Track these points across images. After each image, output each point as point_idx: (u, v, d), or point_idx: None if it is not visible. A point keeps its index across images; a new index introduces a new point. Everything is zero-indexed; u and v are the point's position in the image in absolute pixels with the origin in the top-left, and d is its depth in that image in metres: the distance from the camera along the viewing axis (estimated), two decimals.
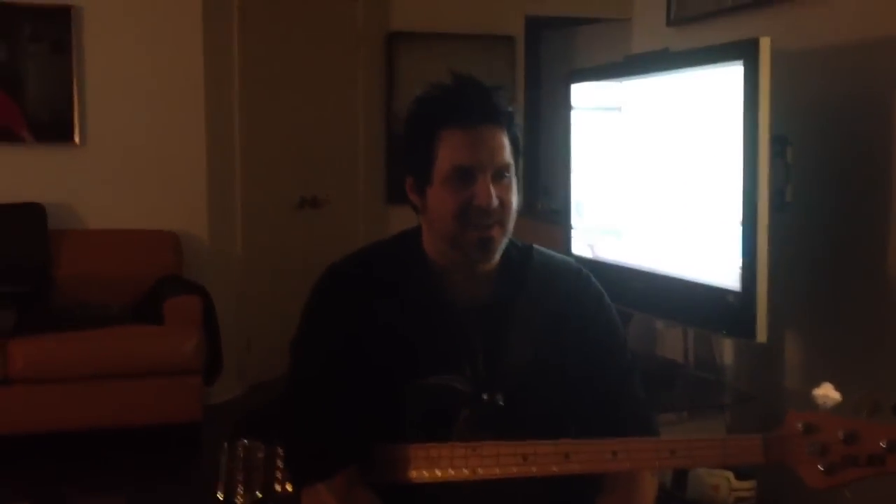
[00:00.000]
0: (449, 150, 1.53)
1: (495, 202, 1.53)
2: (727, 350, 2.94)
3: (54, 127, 4.69)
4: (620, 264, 2.91)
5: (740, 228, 2.32)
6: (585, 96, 3.14)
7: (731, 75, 2.34)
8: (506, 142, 1.56)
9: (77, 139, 4.71)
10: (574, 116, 3.19)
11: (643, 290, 2.78)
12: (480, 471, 1.50)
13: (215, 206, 4.90)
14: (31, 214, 4.51)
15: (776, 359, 2.69)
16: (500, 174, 1.55)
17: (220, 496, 1.78)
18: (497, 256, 1.60)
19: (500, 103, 1.56)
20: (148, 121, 4.77)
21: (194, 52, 4.78)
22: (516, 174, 1.58)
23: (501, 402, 1.57)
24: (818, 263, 2.60)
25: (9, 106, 4.64)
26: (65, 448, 4.04)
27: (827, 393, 1.31)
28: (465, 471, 1.51)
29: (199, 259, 4.81)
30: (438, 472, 1.53)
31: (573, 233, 3.21)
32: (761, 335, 2.28)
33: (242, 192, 5.05)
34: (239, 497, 1.77)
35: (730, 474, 2.45)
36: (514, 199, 1.57)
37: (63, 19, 4.64)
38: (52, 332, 4.10)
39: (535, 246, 1.72)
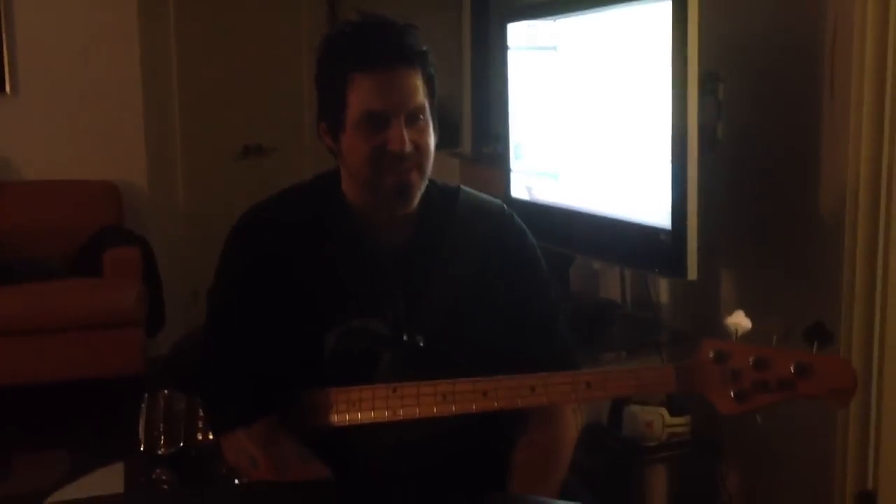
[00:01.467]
0: (359, 95, 1.50)
1: (409, 147, 1.50)
2: (664, 289, 2.96)
3: None
4: (558, 206, 2.90)
5: (671, 167, 2.31)
6: (522, 36, 3.09)
7: (661, 11, 2.32)
8: (419, 83, 1.52)
9: (8, 88, 4.58)
10: (511, 57, 3.15)
11: (580, 232, 2.77)
12: (401, 411, 1.49)
13: (154, 154, 4.81)
14: None
15: (712, 296, 2.70)
16: (414, 117, 1.51)
17: (142, 448, 1.76)
18: (416, 200, 1.57)
19: (412, 43, 1.52)
20: (81, 68, 4.65)
21: None
22: (432, 114, 1.55)
23: (422, 344, 1.56)
24: (751, 200, 2.61)
25: None
26: (4, 403, 3.99)
27: (738, 321, 1.32)
28: (386, 412, 1.50)
29: (139, 209, 4.74)
30: (360, 415, 1.52)
31: (512, 175, 3.18)
32: (692, 273, 2.28)
33: (183, 141, 4.96)
34: (161, 448, 1.76)
35: (664, 411, 2.47)
36: (431, 141, 1.55)
37: None
38: None
39: (463, 188, 1.70)
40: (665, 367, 1.39)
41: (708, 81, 2.38)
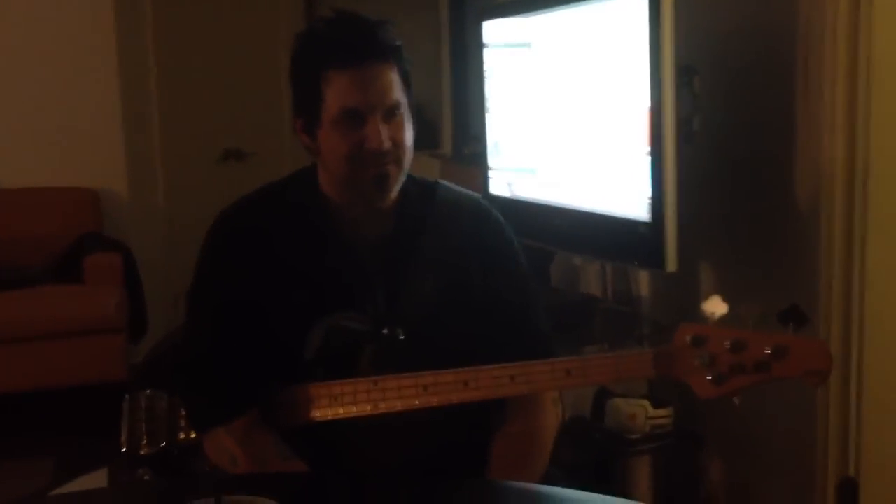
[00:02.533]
0: (336, 92, 1.50)
1: (387, 143, 1.50)
2: (644, 283, 2.97)
3: None
4: (537, 202, 2.91)
5: (648, 159, 2.32)
6: (497, 33, 3.11)
7: (635, 5, 2.33)
8: (395, 78, 1.52)
9: None
10: (487, 55, 3.16)
11: (560, 227, 2.78)
12: (382, 405, 1.50)
13: (133, 160, 4.80)
14: None
15: (691, 288, 2.72)
16: (390, 113, 1.52)
17: (124, 449, 1.76)
18: (394, 194, 1.58)
19: (387, 38, 1.52)
20: (58, 74, 4.62)
21: (104, 2, 4.63)
22: (409, 109, 1.56)
23: (402, 337, 1.57)
24: (728, 191, 2.63)
25: None
26: None
27: (714, 306, 1.33)
28: (368, 406, 1.51)
29: (119, 215, 4.72)
30: (341, 410, 1.52)
31: (491, 173, 3.19)
32: (671, 265, 2.30)
33: (162, 146, 4.94)
34: (144, 448, 1.75)
35: (646, 403, 2.49)
36: (409, 136, 1.55)
37: None
38: None
39: (442, 182, 1.70)
40: (643, 353, 1.40)
41: (684, 75, 2.40)
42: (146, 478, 1.68)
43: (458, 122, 5.35)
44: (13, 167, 4.61)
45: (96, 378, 3.99)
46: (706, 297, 1.37)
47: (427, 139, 5.58)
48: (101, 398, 3.96)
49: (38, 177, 4.60)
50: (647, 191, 2.35)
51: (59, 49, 4.61)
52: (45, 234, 4.46)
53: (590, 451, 2.51)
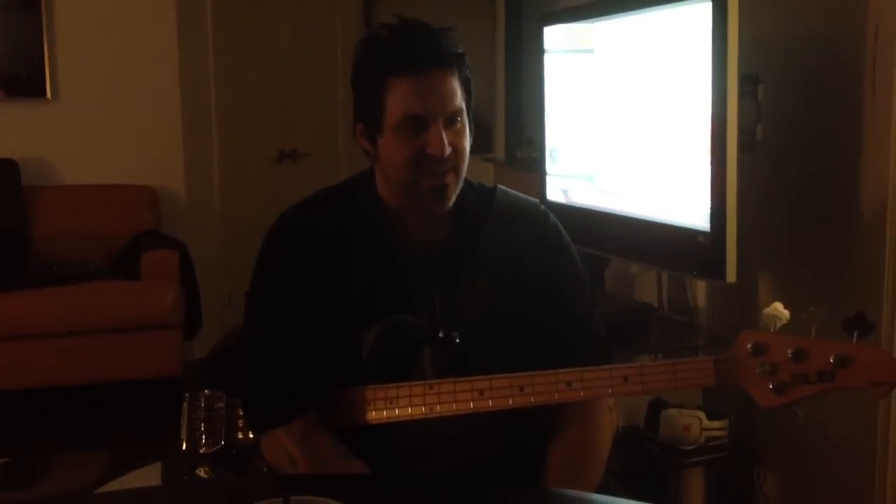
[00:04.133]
0: (399, 99, 1.50)
1: (448, 150, 1.51)
2: (700, 292, 2.93)
3: (26, 82, 4.62)
4: (595, 209, 2.89)
5: (709, 169, 2.30)
6: (558, 39, 3.09)
7: (700, 13, 2.31)
8: (457, 85, 1.52)
9: (49, 94, 4.64)
10: (547, 60, 3.15)
11: (617, 234, 2.77)
12: (438, 408, 1.49)
13: (192, 160, 4.86)
14: (4, 171, 4.46)
15: (749, 298, 2.68)
16: (452, 120, 1.52)
17: (184, 447, 1.78)
18: (452, 200, 1.58)
19: (449, 46, 1.52)
20: (121, 73, 4.70)
21: (167, 4, 4.70)
22: (469, 116, 1.56)
23: (457, 340, 1.56)
24: (790, 203, 2.59)
25: None
26: (45, 404, 4.04)
27: (776, 312, 1.30)
28: (423, 409, 1.50)
29: (176, 214, 4.78)
30: (397, 412, 1.52)
31: (548, 179, 3.18)
32: (730, 276, 2.27)
33: (219, 146, 5.00)
34: (203, 447, 1.77)
35: (701, 414, 2.46)
36: (467, 144, 1.55)
37: None
38: (31, 289, 4.07)
39: (501, 187, 1.70)
40: (703, 361, 1.38)
41: (747, 83, 2.36)
42: (204, 475, 1.69)
43: (511, 127, 5.35)
44: (75, 164, 4.69)
45: (152, 373, 4.05)
46: (767, 305, 1.34)
47: (480, 143, 5.57)
48: (157, 393, 4.04)
49: (98, 174, 4.68)
50: (707, 200, 2.32)
51: (122, 50, 4.69)
52: (105, 230, 4.53)
53: (643, 462, 2.49)
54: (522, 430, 1.57)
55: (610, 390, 1.43)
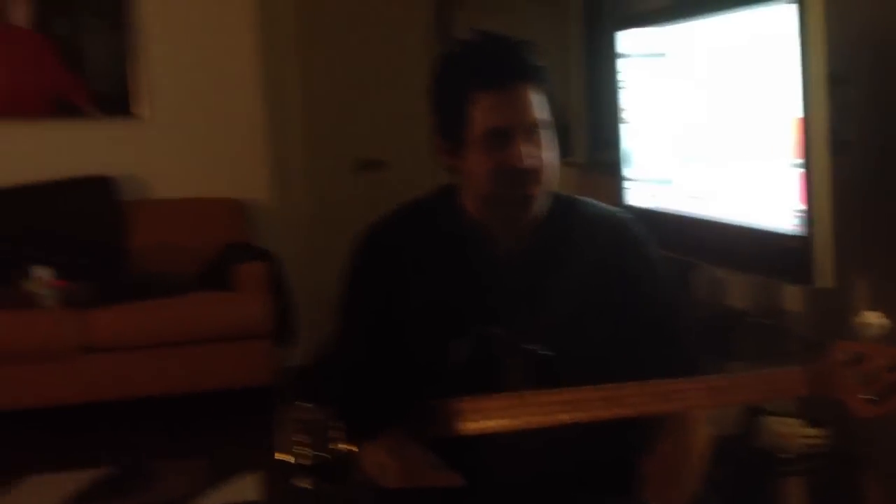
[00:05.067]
0: (482, 113, 1.53)
1: (530, 162, 1.53)
2: (792, 296, 2.88)
3: (118, 100, 4.78)
4: (678, 213, 2.86)
5: (798, 171, 2.26)
6: (633, 43, 3.07)
7: (781, 14, 2.27)
8: (538, 98, 1.55)
9: (139, 111, 4.80)
10: (622, 65, 3.13)
11: (702, 239, 2.73)
12: (528, 419, 1.51)
13: (277, 171, 4.97)
14: (101, 187, 4.63)
15: (843, 303, 2.62)
16: (534, 132, 1.54)
17: (280, 457, 1.82)
18: (536, 212, 1.59)
19: (530, 59, 1.55)
20: (207, 90, 4.84)
21: (248, 20, 4.82)
22: (551, 128, 1.57)
23: (545, 352, 1.58)
24: (886, 203, 2.52)
25: (73, 82, 4.75)
26: (142, 414, 4.16)
27: (869, 321, 1.28)
28: (514, 420, 1.52)
29: (265, 224, 4.89)
30: (487, 423, 1.55)
31: (628, 184, 3.16)
32: (822, 280, 2.22)
33: (304, 157, 5.10)
34: (299, 458, 1.81)
35: (799, 421, 2.41)
36: (551, 154, 1.57)
37: None
38: (130, 301, 4.21)
39: (580, 198, 1.71)
40: (796, 371, 1.37)
41: (836, 84, 2.32)
42: (301, 486, 1.73)
43: (592, 131, 5.32)
44: (166, 179, 4.84)
45: (245, 382, 4.15)
46: (860, 313, 1.32)
47: (561, 147, 5.56)
48: (249, 402, 4.13)
49: (188, 188, 4.82)
50: (796, 203, 2.28)
51: (207, 69, 4.83)
52: (196, 242, 4.66)
53: (741, 471, 2.45)
54: (612, 440, 1.58)
55: (702, 401, 1.43)
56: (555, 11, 5.40)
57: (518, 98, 1.53)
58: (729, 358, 2.68)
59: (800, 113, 2.23)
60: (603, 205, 1.72)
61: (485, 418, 1.55)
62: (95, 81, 4.77)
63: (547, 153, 1.56)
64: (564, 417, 1.49)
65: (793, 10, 2.22)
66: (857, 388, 1.30)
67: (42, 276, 4.18)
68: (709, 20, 2.64)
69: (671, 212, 2.90)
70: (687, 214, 2.82)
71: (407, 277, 1.63)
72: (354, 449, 1.66)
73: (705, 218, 2.72)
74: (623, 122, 3.16)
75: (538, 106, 1.55)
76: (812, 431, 2.40)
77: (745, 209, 2.54)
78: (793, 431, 2.39)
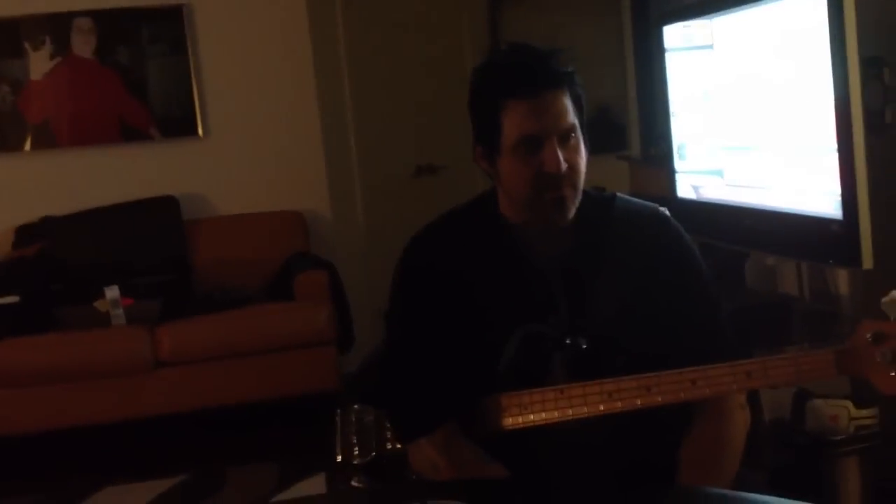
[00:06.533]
0: (514, 121, 1.59)
1: (564, 166, 1.58)
2: (843, 280, 2.88)
3: (179, 122, 4.93)
4: (726, 203, 2.89)
5: (837, 155, 2.27)
6: (678, 37, 3.10)
7: (816, 1, 2.29)
8: (568, 103, 1.60)
9: (201, 132, 4.94)
10: (669, 58, 3.16)
11: (750, 228, 2.75)
12: (570, 411, 1.57)
13: (335, 182, 5.07)
14: (165, 207, 4.78)
15: (892, 285, 2.61)
16: (565, 137, 1.59)
17: (339, 459, 1.90)
18: (572, 214, 1.64)
19: (558, 66, 1.60)
20: (264, 107, 4.96)
21: (301, 36, 4.95)
22: (582, 131, 1.62)
23: (584, 346, 1.63)
24: None
25: (137, 106, 4.91)
26: (215, 422, 4.28)
27: (894, 300, 1.31)
28: (556, 413, 1.58)
29: (324, 235, 5.00)
30: (532, 417, 1.60)
31: (677, 176, 3.19)
32: (867, 262, 2.24)
33: (360, 167, 5.20)
34: (356, 457, 1.89)
35: (849, 403, 2.42)
36: (582, 158, 1.62)
37: (176, 18, 4.86)
38: (196, 316, 4.33)
39: (619, 195, 1.75)
40: (824, 352, 1.40)
41: (872, 66, 2.32)
42: (360, 484, 1.81)
43: (645, 125, 5.33)
44: (228, 196, 4.98)
45: (311, 388, 4.24)
46: (888, 292, 1.35)
47: (615, 142, 5.59)
48: (317, 407, 4.22)
49: (250, 203, 4.94)
50: (837, 187, 2.30)
51: (264, 86, 4.95)
52: (259, 255, 4.78)
53: (792, 455, 2.47)
54: (653, 429, 1.62)
55: (734, 386, 1.46)
56: (607, 7, 5.42)
57: (548, 104, 1.58)
58: (782, 343, 2.70)
59: (835, 97, 2.25)
60: (640, 200, 1.76)
61: (529, 412, 1.60)
62: (159, 106, 4.93)
63: (578, 156, 1.61)
64: (603, 408, 1.54)
65: None
66: (882, 367, 1.32)
67: (112, 296, 4.33)
68: (750, 10, 2.66)
69: (719, 202, 2.93)
70: (734, 204, 2.84)
71: (451, 282, 1.70)
72: (404, 448, 1.74)
73: (752, 206, 2.74)
74: (672, 116, 3.19)
75: (568, 111, 1.60)
76: (861, 412, 2.41)
77: (789, 196, 2.55)
78: (842, 413, 2.40)
